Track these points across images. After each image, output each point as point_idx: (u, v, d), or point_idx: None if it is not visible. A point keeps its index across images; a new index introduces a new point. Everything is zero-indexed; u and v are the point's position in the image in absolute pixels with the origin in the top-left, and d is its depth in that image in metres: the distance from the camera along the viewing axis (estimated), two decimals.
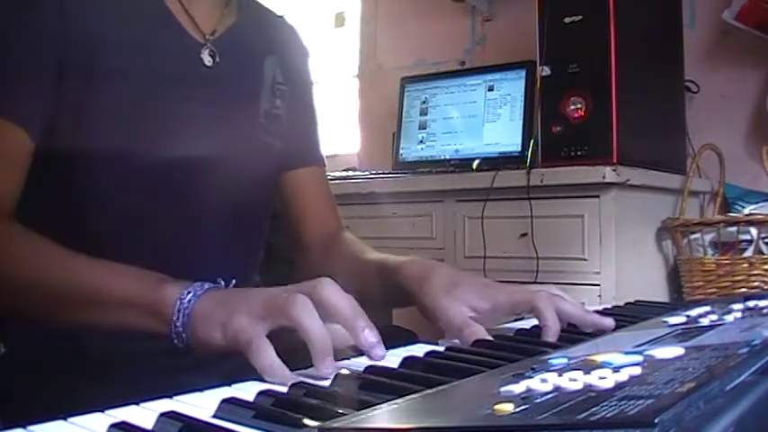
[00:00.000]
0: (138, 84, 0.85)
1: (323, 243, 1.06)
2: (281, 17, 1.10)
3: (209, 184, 0.90)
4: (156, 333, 0.69)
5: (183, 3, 0.92)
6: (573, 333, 0.75)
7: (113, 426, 0.42)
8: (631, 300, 1.05)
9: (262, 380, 0.57)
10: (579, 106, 1.76)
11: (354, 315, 0.62)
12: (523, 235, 1.80)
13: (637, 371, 0.44)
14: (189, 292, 0.68)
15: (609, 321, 0.75)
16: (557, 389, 0.42)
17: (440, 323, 0.80)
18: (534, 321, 0.85)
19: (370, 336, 0.61)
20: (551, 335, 0.73)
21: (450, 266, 0.88)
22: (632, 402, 0.36)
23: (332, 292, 0.62)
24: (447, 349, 0.68)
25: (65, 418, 0.44)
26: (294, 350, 0.62)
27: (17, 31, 0.82)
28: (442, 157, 2.30)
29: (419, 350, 0.67)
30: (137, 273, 0.73)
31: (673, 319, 0.70)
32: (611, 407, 0.36)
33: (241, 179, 0.94)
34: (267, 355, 0.60)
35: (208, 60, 0.92)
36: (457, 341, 0.76)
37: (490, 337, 0.74)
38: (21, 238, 0.77)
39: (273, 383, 0.57)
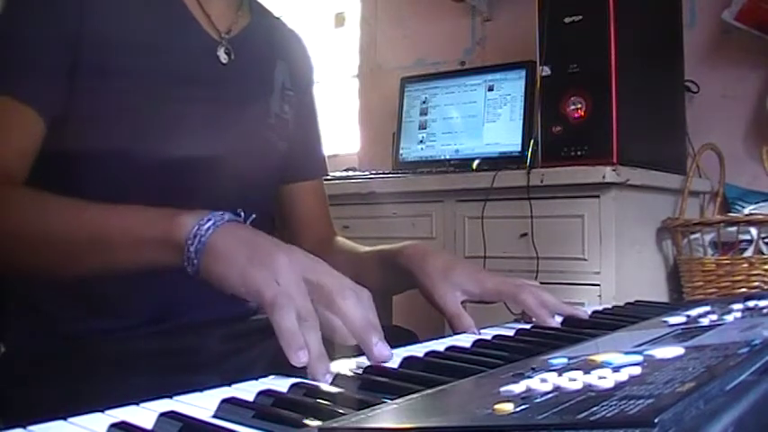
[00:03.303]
0: (156, 80, 0.86)
1: (318, 244, 1.09)
2: (279, 19, 1.10)
3: (221, 179, 0.92)
4: (170, 264, 0.67)
5: (200, 0, 0.93)
6: (573, 333, 0.75)
7: (113, 426, 0.42)
8: (631, 300, 1.05)
9: (262, 378, 0.57)
10: (579, 106, 1.76)
11: (366, 329, 0.61)
12: (523, 235, 1.80)
13: (637, 371, 0.44)
14: (209, 220, 0.66)
15: (584, 311, 0.88)
16: (557, 389, 0.42)
17: (434, 305, 0.90)
18: (534, 321, 0.86)
19: (381, 351, 0.60)
20: (543, 317, 0.83)
21: (445, 251, 0.93)
22: (632, 402, 0.36)
23: (348, 304, 0.61)
24: (447, 349, 0.68)
25: (65, 418, 0.44)
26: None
27: (37, 24, 0.83)
28: (442, 157, 2.30)
29: (419, 350, 0.67)
30: (151, 209, 0.72)
31: (673, 319, 0.70)
32: (610, 407, 0.36)
33: (250, 176, 0.96)
34: (289, 318, 0.59)
35: (224, 58, 0.94)
36: (457, 342, 0.77)
37: (475, 329, 0.83)
38: (32, 195, 0.78)
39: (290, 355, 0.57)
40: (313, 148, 1.14)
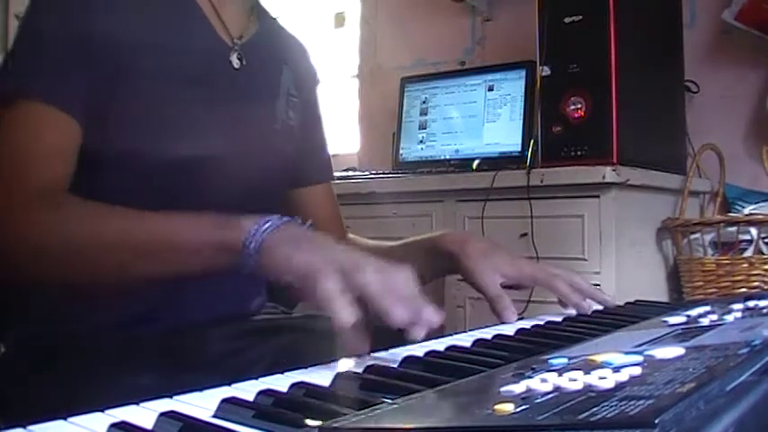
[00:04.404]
0: (171, 81, 0.87)
1: None
2: (276, 20, 1.11)
3: (229, 182, 0.92)
4: (226, 266, 0.72)
5: (215, 5, 0.94)
6: (573, 333, 0.75)
7: (113, 426, 0.42)
8: (631, 300, 1.05)
9: (262, 378, 0.57)
10: (579, 106, 1.76)
11: (381, 294, 0.65)
12: (523, 235, 1.80)
13: (637, 371, 0.44)
14: (267, 222, 0.71)
15: (611, 298, 0.96)
16: (557, 389, 0.42)
17: (475, 286, 0.94)
18: (534, 321, 0.86)
19: (400, 314, 0.64)
20: (575, 301, 0.91)
21: (484, 237, 0.99)
22: (632, 402, 0.36)
23: (364, 276, 0.65)
24: (447, 349, 0.68)
25: (65, 418, 0.44)
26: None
27: (62, 27, 0.84)
28: (442, 157, 2.30)
29: (419, 350, 0.67)
30: (211, 216, 0.76)
31: (673, 319, 0.70)
32: (611, 407, 0.36)
33: (257, 179, 0.97)
34: (333, 285, 0.64)
35: (236, 63, 0.95)
36: (456, 340, 0.77)
37: (513, 310, 0.87)
38: (90, 206, 0.79)
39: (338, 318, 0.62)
40: (320, 152, 1.16)
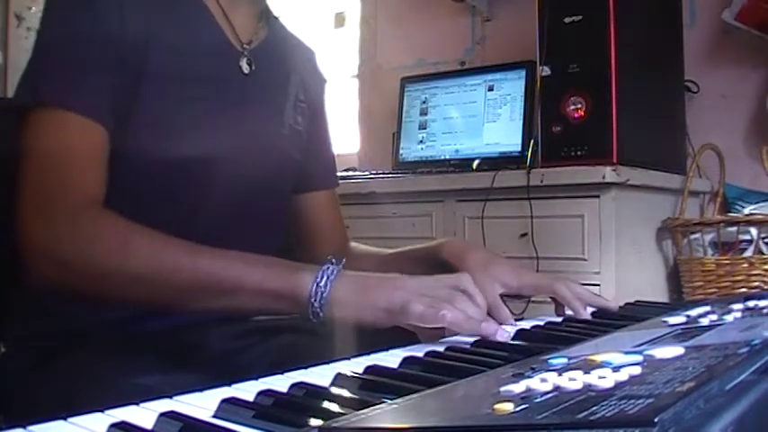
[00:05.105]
0: (182, 85, 0.88)
1: (335, 251, 1.10)
2: (280, 22, 1.11)
3: (235, 185, 0.93)
4: (289, 312, 0.77)
5: (225, 11, 0.95)
6: (573, 333, 0.75)
7: (113, 426, 0.42)
8: (631, 300, 1.05)
9: (262, 378, 0.57)
10: (579, 106, 1.76)
11: (468, 323, 0.73)
12: (523, 235, 1.80)
13: (636, 370, 0.44)
14: (324, 276, 0.75)
15: (614, 303, 0.95)
16: (556, 388, 0.42)
17: None
18: (534, 321, 0.86)
19: (487, 330, 0.73)
20: (577, 308, 0.89)
21: (484, 248, 0.98)
22: (632, 402, 0.36)
23: (446, 315, 0.72)
24: (447, 349, 0.68)
25: (65, 418, 0.44)
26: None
27: (84, 31, 0.84)
28: (442, 157, 2.30)
29: (419, 350, 0.68)
30: (266, 261, 0.78)
31: (673, 319, 0.70)
32: (610, 406, 0.36)
33: (264, 182, 0.98)
34: (418, 307, 0.72)
35: (245, 68, 0.96)
36: (456, 340, 0.77)
37: (512, 320, 0.86)
38: (143, 232, 0.78)
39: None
40: (325, 158, 1.16)
